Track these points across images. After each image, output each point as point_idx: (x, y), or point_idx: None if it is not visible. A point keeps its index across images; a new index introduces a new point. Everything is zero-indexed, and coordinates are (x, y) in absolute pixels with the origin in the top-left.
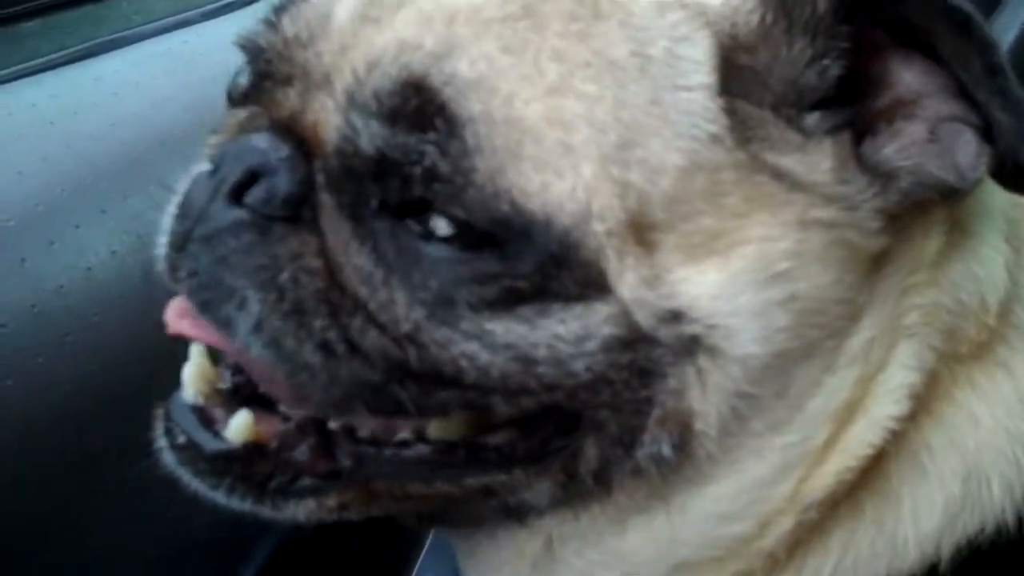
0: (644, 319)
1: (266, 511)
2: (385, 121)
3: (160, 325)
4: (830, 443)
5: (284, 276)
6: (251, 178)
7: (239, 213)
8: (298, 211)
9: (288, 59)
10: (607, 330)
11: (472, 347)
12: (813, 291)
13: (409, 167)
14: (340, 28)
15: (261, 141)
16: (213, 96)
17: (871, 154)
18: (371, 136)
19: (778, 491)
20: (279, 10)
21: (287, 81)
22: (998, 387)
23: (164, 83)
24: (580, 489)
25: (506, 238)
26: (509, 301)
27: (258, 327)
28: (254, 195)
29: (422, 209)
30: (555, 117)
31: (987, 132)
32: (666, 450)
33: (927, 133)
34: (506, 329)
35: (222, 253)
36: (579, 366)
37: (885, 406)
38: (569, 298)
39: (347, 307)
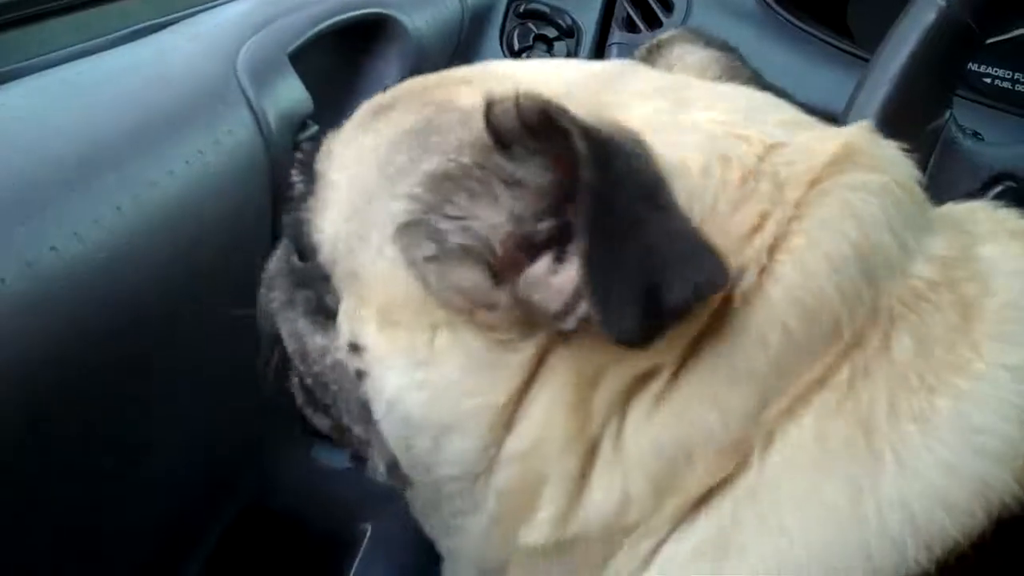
0: (346, 345)
1: None
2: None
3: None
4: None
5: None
6: None
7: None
8: None
9: None
10: (339, 355)
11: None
12: (442, 384)
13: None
14: None
15: None
16: (107, 125)
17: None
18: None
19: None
20: None
21: None
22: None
23: (56, 113)
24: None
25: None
26: (310, 307)
27: None
28: None
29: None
30: (340, 183)
31: None
32: (381, 473)
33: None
34: (305, 326)
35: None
36: (319, 369)
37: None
38: (330, 317)
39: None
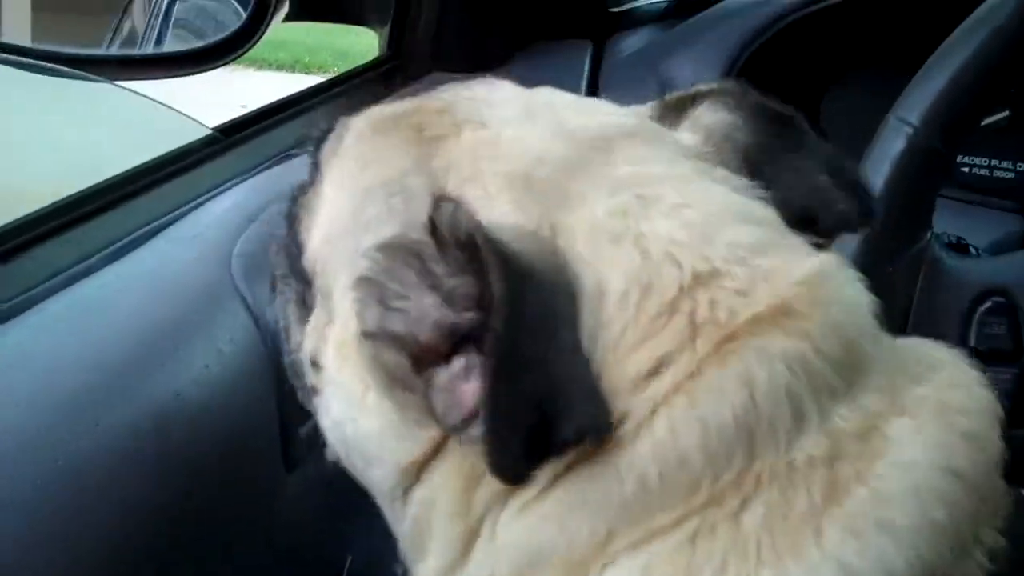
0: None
1: None
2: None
3: None
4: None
5: None
6: None
7: None
8: None
9: None
10: (304, 359)
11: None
12: (368, 431)
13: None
14: None
15: None
16: (113, 352)
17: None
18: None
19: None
20: None
21: None
22: None
23: (63, 346)
24: None
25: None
26: (297, 298)
27: None
28: None
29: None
30: (326, 201)
31: None
32: None
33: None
34: (292, 313)
35: None
36: (294, 358)
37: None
38: (306, 315)
39: None
